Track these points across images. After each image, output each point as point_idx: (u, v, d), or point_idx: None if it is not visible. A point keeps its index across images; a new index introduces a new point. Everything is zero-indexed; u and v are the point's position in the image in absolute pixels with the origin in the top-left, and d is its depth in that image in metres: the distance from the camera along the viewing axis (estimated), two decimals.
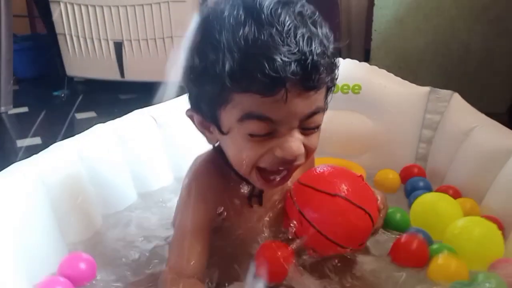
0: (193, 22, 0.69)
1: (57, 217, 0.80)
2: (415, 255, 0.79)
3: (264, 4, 0.62)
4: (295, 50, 0.60)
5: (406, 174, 1.12)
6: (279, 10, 0.62)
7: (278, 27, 0.61)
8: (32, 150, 2.02)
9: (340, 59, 1.23)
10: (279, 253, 0.71)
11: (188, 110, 0.73)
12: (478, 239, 0.79)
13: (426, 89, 1.19)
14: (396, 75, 1.28)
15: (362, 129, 1.24)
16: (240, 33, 0.61)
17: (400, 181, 1.12)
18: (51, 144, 2.07)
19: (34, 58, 2.82)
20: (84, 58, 2.47)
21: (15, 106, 2.39)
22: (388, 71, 1.28)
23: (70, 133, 2.46)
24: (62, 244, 0.81)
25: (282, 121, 0.63)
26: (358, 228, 0.74)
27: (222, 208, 0.75)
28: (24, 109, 2.37)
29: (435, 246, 0.80)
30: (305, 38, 0.61)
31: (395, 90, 1.22)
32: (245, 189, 0.75)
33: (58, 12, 2.41)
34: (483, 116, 1.09)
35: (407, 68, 1.67)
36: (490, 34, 1.63)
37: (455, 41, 1.66)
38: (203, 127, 0.72)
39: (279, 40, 0.60)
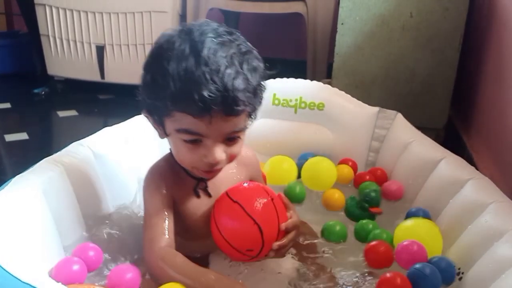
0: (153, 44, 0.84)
1: (78, 199, 0.97)
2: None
3: (205, 44, 0.77)
4: (221, 88, 0.75)
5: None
6: (216, 52, 0.77)
7: (212, 67, 0.75)
8: (21, 144, 2.17)
9: (308, 81, 1.46)
10: None
11: (143, 111, 0.88)
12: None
13: (376, 109, 1.37)
14: (352, 92, 1.46)
15: (324, 139, 1.42)
16: (182, 65, 0.76)
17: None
18: (37, 139, 2.22)
19: (11, 55, 2.84)
20: (66, 59, 2.53)
21: None
22: (346, 89, 1.47)
23: (54, 130, 2.61)
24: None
25: (208, 136, 0.80)
26: (244, 233, 0.83)
27: (175, 196, 0.90)
28: (7, 105, 2.43)
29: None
30: (231, 77, 0.76)
31: (351, 108, 1.40)
32: (191, 183, 0.91)
33: (43, 14, 2.48)
34: (419, 132, 1.29)
35: (362, 87, 1.84)
36: (432, 62, 1.80)
37: (403, 66, 1.83)
38: (155, 125, 0.88)
39: (210, 78, 0.75)
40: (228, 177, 0.94)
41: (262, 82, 0.85)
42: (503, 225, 0.84)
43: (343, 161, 1.37)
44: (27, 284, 0.63)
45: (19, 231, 0.79)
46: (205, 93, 0.74)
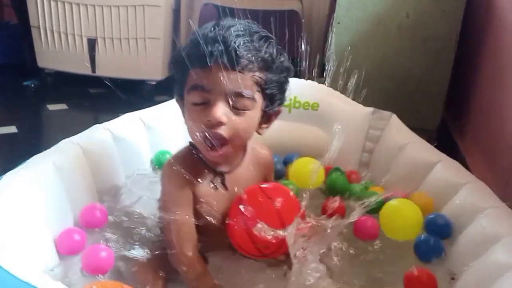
0: None
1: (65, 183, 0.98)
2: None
3: (226, 22, 0.86)
4: (223, 40, 0.82)
5: None
6: (231, 26, 0.84)
7: (222, 31, 0.83)
8: (9, 138, 2.12)
9: (303, 80, 1.45)
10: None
11: (176, 99, 0.94)
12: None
13: (370, 109, 1.36)
14: (347, 92, 1.42)
15: (317, 138, 1.39)
16: (200, 33, 0.84)
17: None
18: (26, 133, 2.19)
19: (0, 46, 2.77)
20: (57, 52, 2.49)
21: None
22: (341, 89, 1.44)
23: (44, 123, 2.55)
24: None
25: (211, 90, 0.83)
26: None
27: (193, 186, 0.90)
28: None
29: None
30: (235, 35, 0.83)
31: (346, 109, 1.38)
32: (208, 175, 0.92)
33: (34, 6, 2.43)
34: (414, 134, 1.27)
35: (357, 87, 1.86)
36: (427, 63, 1.80)
37: (398, 67, 1.82)
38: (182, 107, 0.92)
39: (217, 35, 0.82)
40: (245, 173, 0.96)
41: (277, 57, 0.88)
42: (499, 230, 0.83)
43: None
44: (27, 283, 0.61)
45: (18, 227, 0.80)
46: (209, 46, 0.81)
